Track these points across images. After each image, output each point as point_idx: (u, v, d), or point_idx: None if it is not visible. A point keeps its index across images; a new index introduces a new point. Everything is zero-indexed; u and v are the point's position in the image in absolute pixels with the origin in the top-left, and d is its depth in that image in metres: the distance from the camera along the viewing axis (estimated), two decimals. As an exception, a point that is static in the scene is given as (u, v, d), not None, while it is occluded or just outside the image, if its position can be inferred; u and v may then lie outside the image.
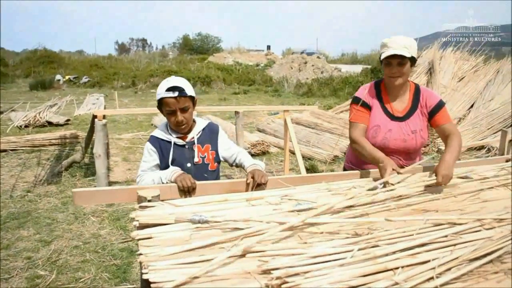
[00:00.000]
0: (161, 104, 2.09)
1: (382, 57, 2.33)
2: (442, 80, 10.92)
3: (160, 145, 2.14)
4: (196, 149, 2.15)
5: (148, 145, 2.16)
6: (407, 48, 2.27)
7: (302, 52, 28.56)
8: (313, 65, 23.60)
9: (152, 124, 10.01)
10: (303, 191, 1.83)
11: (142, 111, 8.70)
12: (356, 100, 2.50)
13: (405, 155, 2.47)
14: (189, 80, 2.44)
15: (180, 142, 2.14)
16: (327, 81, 19.01)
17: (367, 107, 2.45)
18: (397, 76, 2.34)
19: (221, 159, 2.25)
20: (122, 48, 61.27)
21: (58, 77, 21.96)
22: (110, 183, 5.36)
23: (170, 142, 2.14)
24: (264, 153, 7.34)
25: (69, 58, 28.93)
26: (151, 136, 2.19)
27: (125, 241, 3.89)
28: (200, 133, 2.19)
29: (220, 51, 36.52)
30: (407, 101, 2.46)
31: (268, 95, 18.11)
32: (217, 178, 2.26)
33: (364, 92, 2.50)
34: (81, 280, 3.22)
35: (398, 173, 2.08)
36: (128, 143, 8.22)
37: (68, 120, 10.16)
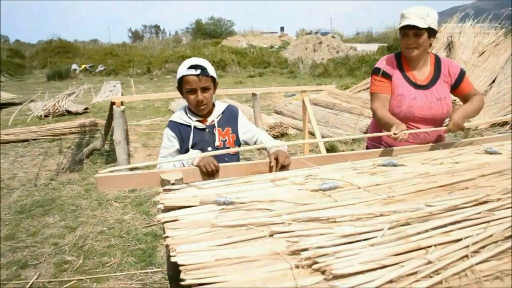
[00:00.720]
0: (182, 83, 2.07)
1: (398, 27, 2.32)
2: (462, 55, 10.67)
3: (180, 130, 2.11)
4: (217, 133, 2.12)
5: (168, 131, 2.13)
6: (424, 18, 2.24)
7: (316, 33, 28.21)
8: (328, 45, 23.33)
9: (169, 110, 10.04)
10: (328, 170, 1.80)
11: (159, 96, 8.74)
12: (376, 71, 2.48)
13: (432, 124, 2.44)
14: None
15: (200, 125, 2.11)
16: (343, 60, 18.75)
17: (388, 77, 2.43)
18: (413, 47, 2.33)
19: (242, 142, 2.23)
20: (136, 36, 61.47)
21: (74, 66, 22.15)
22: (131, 169, 5.39)
23: (190, 126, 2.11)
24: (282, 135, 7.31)
25: (84, 48, 29.12)
26: (170, 121, 2.16)
27: (148, 226, 3.93)
28: (220, 116, 2.16)
29: (234, 34, 36.25)
30: (428, 70, 2.45)
31: (284, 77, 17.98)
32: (238, 161, 2.23)
33: (383, 62, 2.48)
34: (108, 264, 3.27)
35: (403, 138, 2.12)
36: (146, 129, 8.26)
37: (86, 108, 10.25)
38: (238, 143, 2.21)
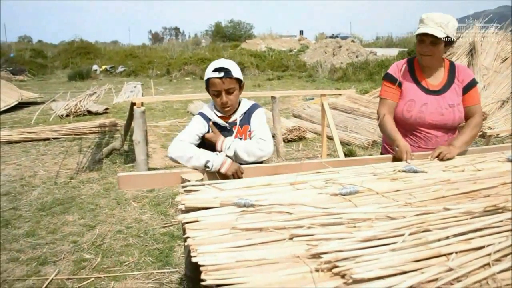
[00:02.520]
0: (208, 84, 2.12)
1: (415, 33, 2.29)
2: (484, 62, 10.50)
3: (207, 122, 2.17)
4: (235, 130, 2.16)
5: (199, 117, 2.18)
6: (443, 27, 2.20)
7: (336, 36, 28.10)
8: (347, 49, 23.20)
9: (188, 112, 10.11)
10: (347, 175, 1.80)
11: (178, 98, 8.82)
12: (386, 77, 2.49)
13: (443, 130, 2.41)
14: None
15: (222, 123, 2.16)
16: (363, 65, 18.62)
17: (397, 83, 2.41)
18: (428, 54, 2.30)
19: None
20: (156, 37, 62.06)
21: (95, 67, 22.48)
22: (150, 169, 5.45)
23: (215, 124, 2.17)
24: (300, 138, 7.30)
25: (105, 49, 29.56)
26: (202, 112, 2.20)
27: (166, 226, 3.96)
28: (243, 115, 2.20)
29: (253, 37, 36.36)
30: (442, 76, 2.42)
31: (302, 81, 17.96)
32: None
33: (395, 68, 2.48)
34: (125, 263, 3.31)
35: (411, 158, 2.09)
36: (165, 130, 8.34)
37: (106, 108, 10.39)
38: None
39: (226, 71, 2.04)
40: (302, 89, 14.26)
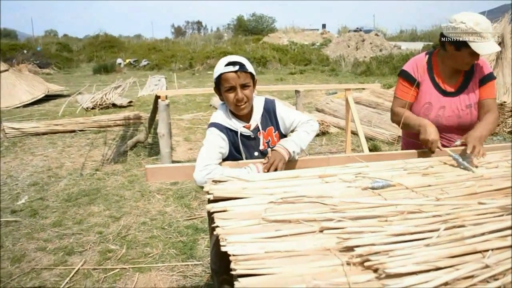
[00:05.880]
0: (219, 82, 1.94)
1: (476, 50, 2.08)
2: (514, 55, 10.23)
3: (227, 133, 1.98)
4: (261, 137, 2.02)
5: (215, 132, 1.97)
6: (493, 35, 2.12)
7: (359, 30, 27.78)
8: (371, 43, 22.92)
9: (210, 105, 10.15)
10: (377, 169, 1.77)
11: (201, 91, 8.85)
12: (403, 75, 2.37)
13: (460, 132, 2.31)
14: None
15: (247, 132, 2.00)
16: (387, 59, 18.36)
17: (414, 82, 2.31)
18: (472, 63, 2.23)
19: (286, 135, 2.13)
20: (178, 31, 62.34)
21: (119, 60, 22.74)
22: (173, 162, 5.49)
23: (235, 132, 1.99)
24: (324, 133, 7.24)
25: (129, 43, 29.94)
26: (216, 123, 2.00)
27: (190, 219, 3.98)
28: (261, 117, 2.05)
29: (275, 31, 36.16)
30: (459, 75, 2.31)
31: (325, 75, 17.81)
32: None
33: (413, 65, 2.36)
34: (150, 255, 3.34)
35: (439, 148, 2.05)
36: (188, 124, 8.38)
37: (130, 101, 10.51)
38: (284, 137, 2.10)
39: (241, 65, 1.91)
40: (325, 83, 14.14)
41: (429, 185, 1.58)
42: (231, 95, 1.92)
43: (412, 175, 1.70)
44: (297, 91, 5.58)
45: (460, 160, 1.83)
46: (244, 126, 2.01)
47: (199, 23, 69.98)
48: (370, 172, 1.70)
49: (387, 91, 9.65)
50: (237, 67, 1.88)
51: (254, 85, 2.01)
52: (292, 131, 2.10)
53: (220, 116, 2.02)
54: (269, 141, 2.05)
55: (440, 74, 2.32)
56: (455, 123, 2.31)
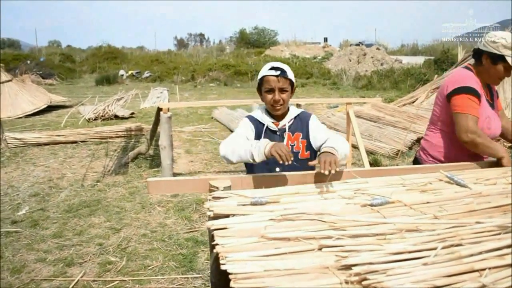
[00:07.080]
0: (262, 83, 2.16)
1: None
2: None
3: (256, 125, 2.19)
4: (286, 137, 2.16)
5: (247, 121, 2.21)
6: None
7: (361, 44, 27.93)
8: (372, 57, 23.04)
9: (212, 118, 10.18)
10: (377, 185, 1.78)
11: (203, 104, 8.91)
12: (472, 92, 2.29)
13: (496, 140, 2.45)
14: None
15: (273, 127, 2.17)
16: (388, 73, 18.46)
17: (480, 98, 2.31)
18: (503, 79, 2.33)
19: (315, 149, 2.17)
20: (181, 43, 62.71)
21: (121, 72, 22.89)
22: (174, 175, 5.50)
23: (263, 125, 2.18)
24: (324, 146, 7.25)
25: (131, 54, 30.14)
26: (250, 115, 2.25)
27: (190, 231, 3.99)
28: (292, 121, 2.20)
29: (277, 44, 36.39)
30: (486, 88, 2.44)
31: (327, 88, 17.90)
32: (310, 167, 2.10)
33: (475, 83, 2.33)
34: (150, 267, 3.34)
35: None
36: (190, 136, 8.41)
37: (132, 113, 10.56)
38: (310, 148, 2.18)
39: (282, 71, 2.10)
40: (326, 97, 14.21)
41: (428, 202, 1.59)
42: (270, 96, 2.13)
43: (410, 191, 1.71)
44: (298, 105, 5.60)
45: (455, 178, 1.85)
46: (273, 123, 2.18)
47: (201, 35, 70.40)
48: (369, 188, 1.71)
49: (388, 105, 9.69)
50: (278, 72, 2.09)
51: (292, 91, 2.20)
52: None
53: (257, 112, 2.26)
54: (294, 145, 2.17)
55: (483, 88, 2.39)
56: (497, 134, 2.44)
